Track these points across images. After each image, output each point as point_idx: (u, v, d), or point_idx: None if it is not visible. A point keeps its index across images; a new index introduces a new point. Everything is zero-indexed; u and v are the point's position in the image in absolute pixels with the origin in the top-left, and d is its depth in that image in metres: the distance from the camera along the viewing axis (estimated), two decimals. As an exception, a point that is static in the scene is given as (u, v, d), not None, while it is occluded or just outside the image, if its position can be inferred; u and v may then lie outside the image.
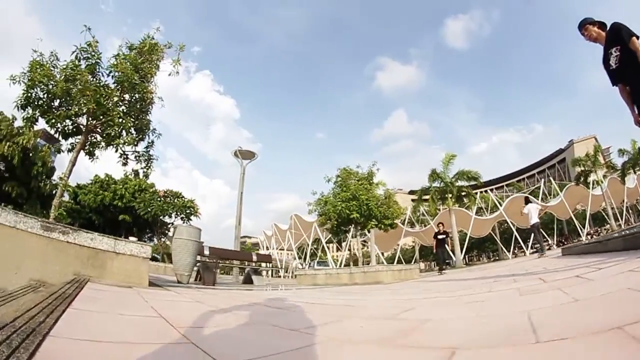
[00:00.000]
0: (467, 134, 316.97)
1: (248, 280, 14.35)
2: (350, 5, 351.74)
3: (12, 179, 17.65)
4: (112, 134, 9.85)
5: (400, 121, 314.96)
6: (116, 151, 10.61)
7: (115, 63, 9.75)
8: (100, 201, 24.86)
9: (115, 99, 9.70)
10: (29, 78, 9.11)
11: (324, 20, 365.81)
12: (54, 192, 17.31)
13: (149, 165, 11.48)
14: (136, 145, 11.00)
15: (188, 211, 23.77)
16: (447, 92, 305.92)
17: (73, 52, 9.50)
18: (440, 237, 17.16)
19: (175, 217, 24.36)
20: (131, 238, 7.55)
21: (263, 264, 17.42)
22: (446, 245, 16.63)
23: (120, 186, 25.37)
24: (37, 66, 9.14)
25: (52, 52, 9.57)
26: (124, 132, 10.15)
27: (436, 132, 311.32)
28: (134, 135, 10.34)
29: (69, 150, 10.11)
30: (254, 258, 16.53)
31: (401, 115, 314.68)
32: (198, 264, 11.10)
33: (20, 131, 16.95)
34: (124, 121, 9.86)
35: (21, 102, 9.27)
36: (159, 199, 23.79)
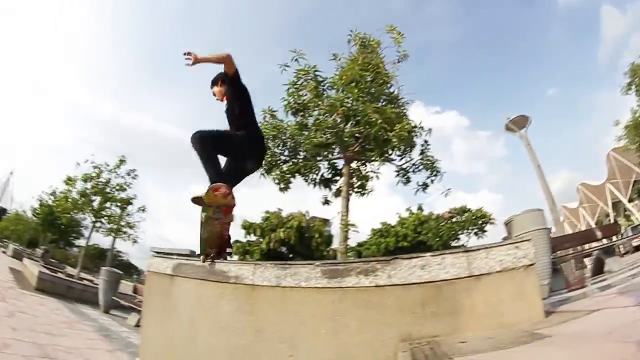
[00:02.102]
0: None
1: (599, 269, 9.87)
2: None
3: (296, 257, 18.31)
4: (377, 137, 8.07)
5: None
6: (402, 156, 9.27)
7: (340, 74, 8.55)
8: (384, 249, 23.60)
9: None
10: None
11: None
12: (337, 255, 17.15)
13: (434, 172, 9.33)
14: (410, 150, 9.30)
15: (481, 222, 20.59)
16: None
17: (288, 88, 8.66)
18: None
19: (468, 236, 21.40)
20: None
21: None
22: None
23: (399, 227, 23.81)
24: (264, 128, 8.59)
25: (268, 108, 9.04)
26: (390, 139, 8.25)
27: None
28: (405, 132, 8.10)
29: (337, 195, 9.40)
30: (599, 235, 11.56)
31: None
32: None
33: (289, 218, 17.98)
34: (383, 110, 8.05)
35: (264, 169, 8.94)
36: (445, 223, 21.26)
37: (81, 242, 30.78)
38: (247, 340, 3.48)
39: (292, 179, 9.18)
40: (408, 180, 9.49)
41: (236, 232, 19.32)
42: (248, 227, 18.60)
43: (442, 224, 21.18)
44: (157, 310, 4.81)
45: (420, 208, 24.39)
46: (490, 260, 3.20)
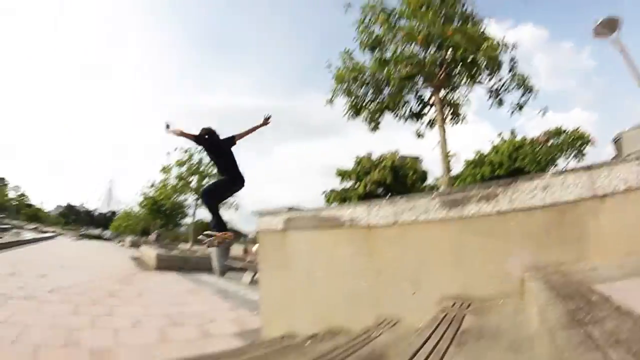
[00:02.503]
0: None
1: None
2: None
3: (393, 196, 18.05)
4: (464, 59, 7.72)
5: None
6: (491, 77, 8.46)
7: (406, 1, 8.00)
8: (480, 179, 22.51)
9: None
10: (342, 89, 8.65)
11: None
12: (434, 190, 17.39)
13: (526, 90, 8.44)
14: (497, 70, 8.46)
15: (579, 144, 19.20)
16: None
17: (357, 27, 8.42)
18: None
19: (566, 159, 20.00)
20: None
21: None
22: None
23: (494, 155, 22.67)
24: (342, 74, 8.57)
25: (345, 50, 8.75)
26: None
27: None
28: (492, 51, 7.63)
29: (430, 126, 9.00)
30: None
31: None
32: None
33: (381, 159, 17.73)
34: (464, 30, 7.55)
35: (351, 113, 8.73)
36: (541, 147, 19.98)
37: (187, 220, 33.09)
38: (367, 283, 3.45)
39: (380, 118, 8.85)
40: (501, 102, 8.76)
41: (332, 181, 19.88)
42: (342, 174, 18.72)
43: (538, 148, 19.90)
44: (273, 265, 5.01)
45: (513, 133, 23.07)
46: (614, 179, 2.84)
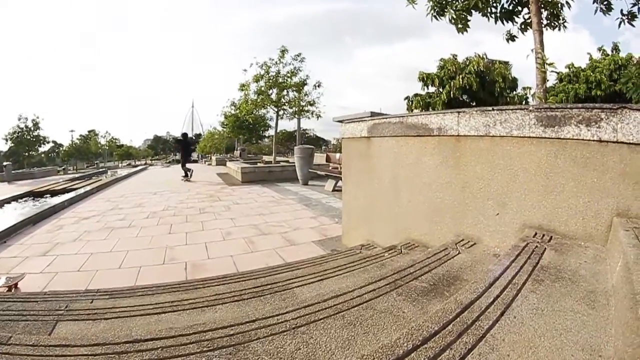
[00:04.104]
0: None
1: None
2: None
3: (479, 104, 17.12)
4: None
5: None
6: None
7: None
8: (573, 97, 20.51)
9: None
10: None
11: None
12: (523, 102, 16.79)
13: None
14: None
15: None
16: None
17: None
18: None
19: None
20: None
21: None
22: None
23: (590, 72, 20.40)
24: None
25: None
26: None
27: None
28: None
29: (523, 29, 7.67)
30: None
31: None
32: None
33: (467, 63, 17.53)
34: None
35: (434, 12, 7.57)
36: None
37: (270, 132, 34.06)
38: (452, 197, 3.34)
39: (469, 17, 7.44)
40: (609, 8, 7.07)
41: (413, 85, 19.23)
42: (425, 78, 17.78)
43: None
44: (356, 173, 5.02)
45: (616, 48, 20.51)
46: None
